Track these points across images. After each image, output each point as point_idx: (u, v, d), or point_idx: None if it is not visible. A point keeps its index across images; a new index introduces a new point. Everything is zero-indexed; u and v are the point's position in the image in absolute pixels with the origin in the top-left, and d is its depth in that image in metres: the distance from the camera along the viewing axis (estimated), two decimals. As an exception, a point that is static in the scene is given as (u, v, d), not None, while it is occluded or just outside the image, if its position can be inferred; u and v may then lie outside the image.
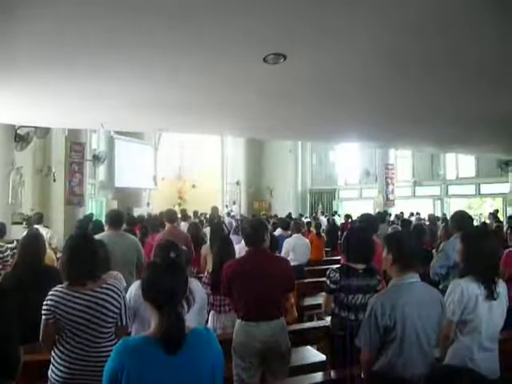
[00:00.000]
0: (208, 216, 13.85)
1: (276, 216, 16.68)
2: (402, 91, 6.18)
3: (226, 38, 4.03)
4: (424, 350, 2.54)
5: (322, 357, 4.23)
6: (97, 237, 3.72)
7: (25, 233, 6.45)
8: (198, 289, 3.15)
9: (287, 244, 7.23)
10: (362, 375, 2.73)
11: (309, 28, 3.80)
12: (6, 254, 5.05)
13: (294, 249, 7.16)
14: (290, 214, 16.21)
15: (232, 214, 20.67)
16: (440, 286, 4.00)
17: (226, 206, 24.43)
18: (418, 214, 15.56)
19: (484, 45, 4.22)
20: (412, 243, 2.75)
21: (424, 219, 13.39)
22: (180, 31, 3.87)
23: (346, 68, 5.02)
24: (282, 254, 6.83)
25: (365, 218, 5.21)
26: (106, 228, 4.96)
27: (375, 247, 3.56)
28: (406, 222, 8.51)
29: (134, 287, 3.15)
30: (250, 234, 3.50)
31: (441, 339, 2.72)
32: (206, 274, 4.49)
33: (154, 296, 1.88)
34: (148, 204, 22.56)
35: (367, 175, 22.35)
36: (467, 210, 16.64)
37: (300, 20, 3.62)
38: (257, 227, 3.51)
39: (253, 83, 5.60)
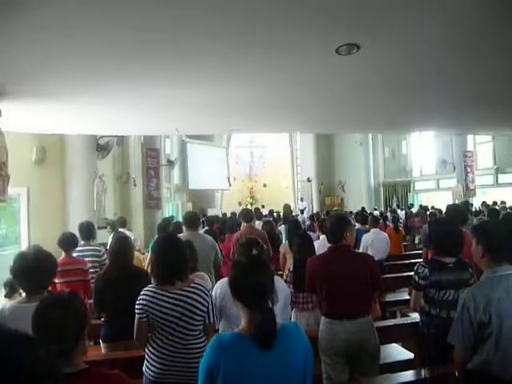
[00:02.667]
0: (281, 214, 13.91)
1: (350, 212, 16.40)
2: (478, 75, 5.82)
3: (299, 31, 3.97)
4: (526, 347, 2.38)
5: (409, 354, 4.11)
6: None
7: (111, 236, 6.86)
8: (281, 286, 3.15)
9: (365, 240, 7.05)
10: (456, 374, 2.61)
11: (381, 16, 3.68)
12: (103, 258, 5.39)
13: (373, 244, 6.97)
14: (363, 208, 15.88)
15: (306, 210, 20.68)
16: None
17: (301, 200, 24.52)
18: (503, 202, 14.57)
19: None
20: (502, 233, 2.60)
21: (509, 208, 12.53)
22: (254, 32, 3.89)
23: (420, 55, 4.82)
24: (361, 250, 6.68)
25: (452, 208, 4.95)
26: (184, 229, 5.21)
27: (465, 239, 3.35)
28: (493, 212, 8.00)
29: (219, 286, 3.22)
30: (331, 231, 3.44)
31: None
32: (287, 272, 4.50)
33: (244, 294, 1.89)
34: (239, 203, 23.17)
35: (444, 164, 21.36)
36: (559, 197, 15.51)
37: (372, 9, 3.52)
38: (337, 223, 3.42)
39: (325, 76, 5.51)
